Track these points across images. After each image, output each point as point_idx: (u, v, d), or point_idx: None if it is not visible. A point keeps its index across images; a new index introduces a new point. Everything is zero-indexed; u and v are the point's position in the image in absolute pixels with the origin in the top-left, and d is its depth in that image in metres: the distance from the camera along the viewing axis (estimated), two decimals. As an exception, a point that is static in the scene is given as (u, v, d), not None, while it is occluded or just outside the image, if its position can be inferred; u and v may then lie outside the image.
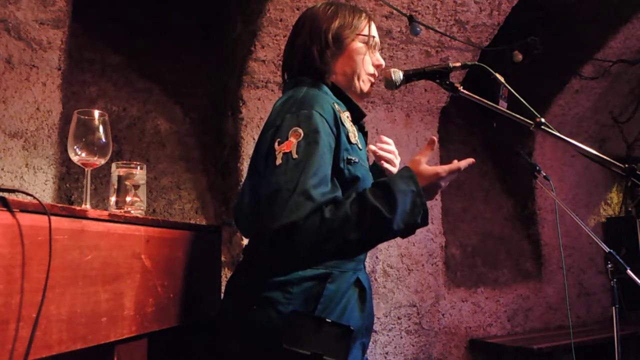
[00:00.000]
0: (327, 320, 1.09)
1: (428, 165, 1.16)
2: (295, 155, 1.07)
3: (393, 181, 1.09)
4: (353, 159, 1.18)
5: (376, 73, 1.34)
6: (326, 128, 1.13)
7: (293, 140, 1.09)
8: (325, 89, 1.26)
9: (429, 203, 1.16)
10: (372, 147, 1.43)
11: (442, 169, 1.15)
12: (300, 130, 1.09)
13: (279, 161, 1.07)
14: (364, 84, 1.31)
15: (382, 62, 1.34)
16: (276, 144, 1.10)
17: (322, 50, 1.26)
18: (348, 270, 1.21)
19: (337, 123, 1.17)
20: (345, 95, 1.29)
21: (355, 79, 1.30)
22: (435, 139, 1.20)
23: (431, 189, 1.15)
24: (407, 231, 1.11)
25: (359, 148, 1.23)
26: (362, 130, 1.33)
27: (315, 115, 1.12)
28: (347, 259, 1.20)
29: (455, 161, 1.18)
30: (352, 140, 1.20)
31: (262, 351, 1.12)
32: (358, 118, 1.31)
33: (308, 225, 1.01)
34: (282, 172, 1.06)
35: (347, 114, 1.25)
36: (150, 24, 3.08)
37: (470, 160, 1.18)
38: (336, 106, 1.20)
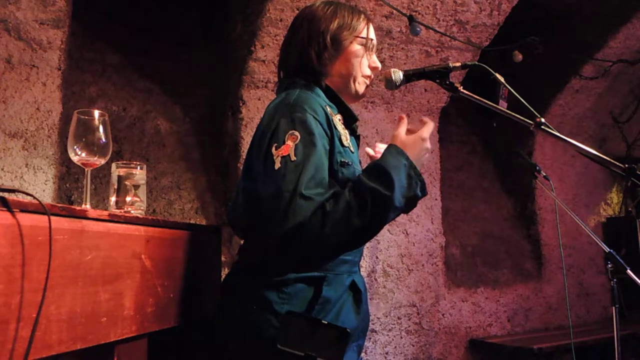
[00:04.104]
0: (323, 321, 1.10)
1: (408, 135, 1.18)
2: (293, 158, 1.07)
3: (383, 160, 1.11)
4: (346, 161, 1.18)
5: (372, 75, 1.34)
6: (320, 130, 1.13)
7: (290, 143, 1.09)
8: (318, 91, 1.26)
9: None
10: (368, 150, 1.43)
11: (423, 132, 1.18)
12: (297, 134, 1.10)
13: (277, 165, 1.07)
14: (359, 86, 1.31)
15: (379, 65, 1.34)
16: (273, 148, 1.10)
17: (320, 52, 1.26)
18: (343, 273, 1.21)
19: (330, 125, 1.17)
20: (339, 98, 1.29)
21: (351, 81, 1.29)
22: (404, 116, 1.21)
23: (420, 157, 1.17)
24: (408, 206, 1.12)
25: (351, 151, 1.23)
26: (354, 134, 1.32)
27: (309, 117, 1.12)
28: (358, 248, 1.20)
29: (424, 120, 1.22)
30: (344, 143, 1.21)
31: (257, 351, 1.12)
32: (350, 122, 1.31)
33: (313, 224, 1.01)
34: (281, 175, 1.06)
35: (339, 116, 1.26)
36: (150, 24, 3.08)
37: (425, 119, 1.21)
38: (328, 109, 1.21)
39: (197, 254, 1.50)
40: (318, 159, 1.09)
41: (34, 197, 0.89)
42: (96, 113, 1.24)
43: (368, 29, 1.31)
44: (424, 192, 1.13)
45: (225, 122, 3.00)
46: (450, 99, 3.34)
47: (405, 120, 1.21)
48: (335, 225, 1.02)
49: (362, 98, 1.36)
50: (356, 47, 1.28)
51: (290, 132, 1.10)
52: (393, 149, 1.14)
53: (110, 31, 2.94)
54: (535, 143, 4.05)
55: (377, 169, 1.09)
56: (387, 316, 3.05)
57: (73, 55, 2.73)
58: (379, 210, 1.05)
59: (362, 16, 1.32)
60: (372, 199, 1.04)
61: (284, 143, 1.09)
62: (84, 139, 1.21)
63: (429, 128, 1.20)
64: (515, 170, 4.12)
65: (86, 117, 1.23)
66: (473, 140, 4.19)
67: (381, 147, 1.51)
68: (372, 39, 1.32)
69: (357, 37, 1.29)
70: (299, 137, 1.09)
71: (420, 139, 1.17)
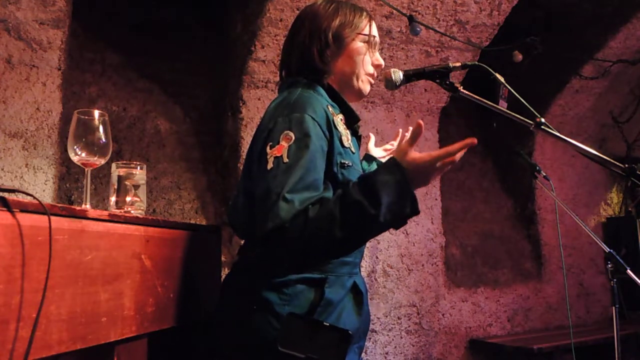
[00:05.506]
0: (325, 323, 1.09)
1: (416, 152, 1.06)
2: (285, 160, 1.06)
3: (376, 173, 1.05)
4: (346, 162, 1.17)
5: (375, 73, 1.33)
6: (318, 131, 1.12)
7: (284, 144, 1.08)
8: (321, 90, 1.25)
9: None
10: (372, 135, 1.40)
11: (430, 155, 1.04)
12: (292, 134, 1.09)
13: (270, 165, 1.07)
14: (362, 84, 1.30)
15: (382, 62, 1.33)
16: (268, 147, 1.10)
17: (322, 50, 1.25)
18: (344, 274, 1.20)
19: (330, 126, 1.16)
20: (340, 98, 1.28)
21: (354, 78, 1.29)
22: (422, 123, 1.06)
23: (421, 177, 1.06)
24: (396, 222, 1.05)
25: (352, 152, 1.22)
26: (355, 134, 1.31)
27: (307, 118, 1.11)
28: (342, 257, 1.17)
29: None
30: (345, 143, 1.19)
31: (258, 352, 1.12)
32: (352, 122, 1.29)
33: (294, 227, 1.00)
34: (272, 176, 1.05)
35: (340, 116, 1.24)
36: (150, 24, 3.08)
37: (467, 141, 1.02)
38: (330, 109, 1.19)
39: (197, 254, 1.50)
40: (310, 161, 1.07)
41: (34, 197, 0.89)
42: (96, 113, 1.24)
43: (370, 26, 1.31)
44: (414, 211, 1.04)
45: (225, 122, 3.00)
46: (450, 99, 3.34)
47: (420, 132, 1.05)
48: (317, 233, 1.00)
49: (366, 96, 1.35)
50: (358, 45, 1.28)
51: (285, 132, 1.09)
52: (390, 161, 1.07)
53: (110, 31, 2.94)
54: (535, 143, 4.05)
55: (367, 181, 1.04)
56: (387, 316, 3.05)
57: (73, 55, 2.73)
58: (361, 225, 1.02)
59: (364, 14, 1.31)
60: (356, 212, 1.00)
61: (278, 143, 1.09)
62: (84, 139, 1.21)
63: (439, 153, 1.04)
64: (515, 170, 4.11)
65: (86, 117, 1.23)
66: (473, 140, 4.18)
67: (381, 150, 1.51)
68: (374, 36, 1.31)
69: (360, 34, 1.28)
70: (294, 138, 1.08)
71: (423, 162, 1.04)
